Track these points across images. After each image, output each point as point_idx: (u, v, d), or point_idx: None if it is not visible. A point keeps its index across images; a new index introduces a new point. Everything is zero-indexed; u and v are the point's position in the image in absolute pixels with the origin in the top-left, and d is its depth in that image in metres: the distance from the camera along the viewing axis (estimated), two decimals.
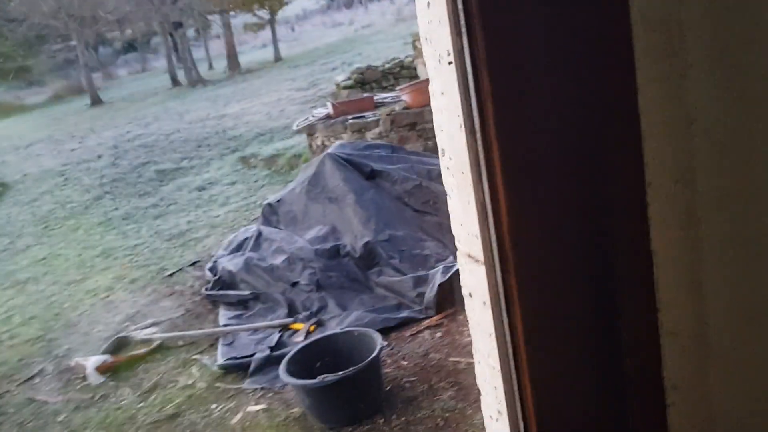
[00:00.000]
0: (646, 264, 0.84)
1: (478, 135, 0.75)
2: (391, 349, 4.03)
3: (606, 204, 0.80)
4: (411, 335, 4.19)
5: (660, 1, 0.78)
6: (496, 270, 0.80)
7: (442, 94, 0.81)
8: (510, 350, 0.84)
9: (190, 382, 4.17)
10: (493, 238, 0.78)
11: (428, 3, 0.78)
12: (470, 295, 0.89)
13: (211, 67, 31.82)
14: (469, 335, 4.20)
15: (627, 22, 0.76)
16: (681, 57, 0.80)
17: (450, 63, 0.77)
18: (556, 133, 0.76)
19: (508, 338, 0.83)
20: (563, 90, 0.75)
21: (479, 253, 0.82)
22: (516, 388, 0.86)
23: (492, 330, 0.85)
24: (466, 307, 0.93)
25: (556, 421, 0.88)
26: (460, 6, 0.72)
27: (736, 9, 0.80)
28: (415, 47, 11.13)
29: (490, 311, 0.83)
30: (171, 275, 6.15)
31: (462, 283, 0.94)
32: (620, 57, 0.77)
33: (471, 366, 3.67)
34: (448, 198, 0.91)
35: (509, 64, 0.72)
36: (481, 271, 0.83)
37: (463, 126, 0.77)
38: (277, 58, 27.69)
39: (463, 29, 0.73)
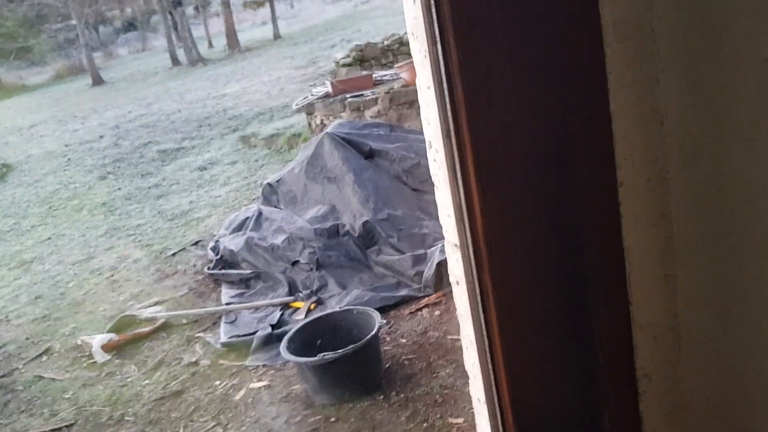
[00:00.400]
0: (618, 260, 0.87)
1: (453, 140, 0.79)
2: (390, 327, 4.11)
3: (578, 203, 0.83)
4: (410, 313, 4.25)
5: (631, 8, 0.80)
6: (473, 268, 0.84)
7: (428, 88, 0.84)
8: (486, 343, 0.88)
9: (193, 359, 4.25)
10: (469, 238, 0.82)
11: (413, 0, 0.80)
12: (457, 283, 0.93)
13: (210, 45, 31.65)
14: None
15: (598, 29, 0.79)
16: (652, 62, 0.83)
17: (425, 57, 0.80)
18: (529, 136, 0.79)
19: (485, 332, 0.87)
20: (535, 94, 0.78)
21: (452, 236, 0.86)
22: (492, 376, 0.90)
23: (468, 320, 0.89)
24: (454, 295, 0.97)
25: (530, 409, 0.92)
26: (434, 17, 0.75)
27: (705, 17, 0.83)
28: None
29: (468, 303, 0.87)
30: (174, 255, 6.22)
31: (449, 272, 0.98)
32: (591, 62, 0.80)
33: None
34: (435, 189, 0.94)
35: (482, 72, 0.75)
36: (457, 255, 0.87)
37: (439, 128, 0.80)
38: (277, 36, 27.51)
39: (438, 38, 0.76)
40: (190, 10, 32.29)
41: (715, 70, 0.85)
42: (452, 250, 0.94)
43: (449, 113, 0.78)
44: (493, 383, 0.93)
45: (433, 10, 0.75)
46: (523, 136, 0.79)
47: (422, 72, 0.86)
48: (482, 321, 0.87)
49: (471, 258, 0.83)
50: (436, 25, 0.75)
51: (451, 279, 0.99)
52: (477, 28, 0.74)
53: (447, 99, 0.78)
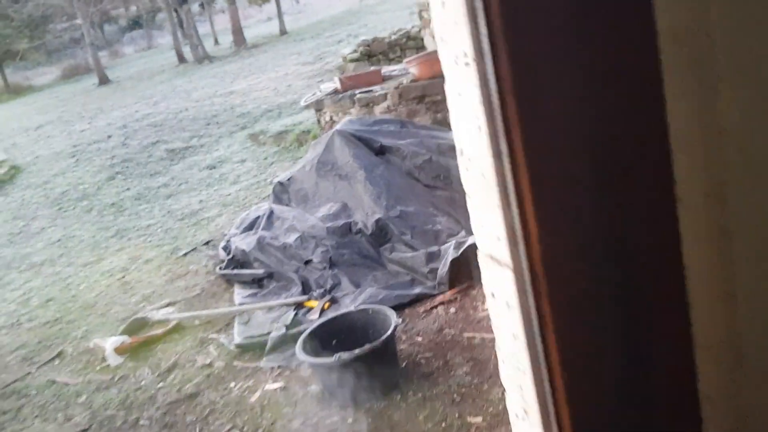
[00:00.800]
0: (678, 280, 0.84)
1: (505, 159, 0.75)
2: (406, 326, 4.06)
3: (636, 221, 0.80)
4: (425, 311, 4.21)
5: (687, 13, 0.76)
6: (528, 293, 0.80)
7: (460, 95, 0.81)
8: (545, 370, 0.84)
9: (208, 361, 4.21)
10: (524, 262, 0.78)
11: (443, 3, 0.77)
12: (493, 295, 0.90)
13: (216, 42, 31.61)
14: (483, 310, 4.20)
15: (653, 35, 0.75)
16: (710, 70, 0.79)
17: (467, 65, 0.76)
18: (585, 153, 0.76)
19: (542, 357, 0.83)
20: (590, 108, 0.75)
21: (504, 258, 0.82)
22: (552, 402, 0.86)
23: (523, 346, 0.85)
24: (489, 306, 0.94)
25: None
26: (482, 29, 0.71)
27: (766, 21, 0.78)
28: (421, 17, 10.99)
29: (522, 327, 0.84)
30: (185, 255, 6.19)
31: (484, 282, 0.95)
32: (647, 71, 0.76)
33: (485, 341, 3.70)
34: (467, 197, 0.90)
35: (537, 89, 0.72)
36: (506, 276, 0.83)
37: (489, 148, 0.77)
38: (283, 32, 27.46)
39: (487, 52, 0.72)
40: (195, 7, 32.29)
41: None
42: (488, 262, 0.91)
43: (501, 133, 0.75)
44: (552, 408, 0.88)
45: (481, 21, 0.70)
46: (579, 154, 0.76)
47: (452, 78, 0.83)
48: (539, 347, 0.82)
49: (527, 282, 0.79)
50: (486, 39, 0.71)
51: (486, 290, 0.95)
52: (531, 42, 0.71)
53: (499, 118, 0.74)
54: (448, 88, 0.84)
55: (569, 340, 0.80)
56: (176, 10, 27.72)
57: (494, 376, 3.35)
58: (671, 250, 0.82)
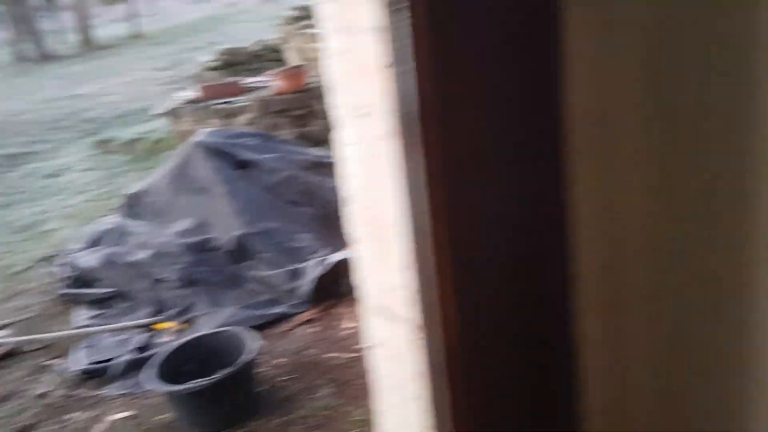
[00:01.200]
0: (572, 353, 0.88)
1: (429, 237, 0.78)
2: (267, 347, 3.94)
3: (535, 298, 0.84)
4: (287, 331, 4.12)
5: (593, 101, 0.82)
6: (442, 355, 0.81)
7: (356, 143, 0.81)
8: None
9: (46, 389, 3.87)
10: (440, 332, 0.80)
11: (347, 50, 0.79)
12: (377, 345, 0.87)
13: (62, 41, 29.59)
14: (345, 329, 4.16)
15: (561, 119, 0.80)
16: (608, 155, 0.85)
17: (367, 115, 0.75)
18: (498, 237, 0.80)
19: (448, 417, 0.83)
20: (499, 185, 0.80)
21: (408, 316, 0.82)
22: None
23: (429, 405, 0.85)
24: (371, 356, 0.92)
25: None
26: (411, 120, 0.76)
27: (665, 116, 0.84)
28: (283, 31, 10.90)
29: (431, 390, 0.84)
30: (21, 272, 5.68)
31: (370, 330, 0.93)
32: (552, 151, 0.81)
33: (348, 361, 3.67)
34: (356, 242, 0.87)
35: (460, 165, 0.77)
36: (404, 331, 0.82)
37: (412, 224, 0.80)
38: (136, 35, 26.25)
39: (419, 134, 0.76)
40: (37, 0, 30.08)
41: (672, 164, 0.86)
42: (377, 312, 0.88)
43: (427, 213, 0.78)
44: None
45: (413, 106, 0.74)
46: (494, 237, 0.81)
47: (348, 127, 0.85)
48: (447, 409, 0.81)
49: (441, 347, 0.78)
50: (419, 123, 0.75)
51: (370, 341, 0.93)
52: (455, 124, 0.75)
53: (425, 192, 0.77)
54: (342, 135, 0.83)
55: (476, 404, 0.79)
56: (15, 2, 25.65)
57: (357, 398, 3.32)
58: (566, 324, 0.86)
